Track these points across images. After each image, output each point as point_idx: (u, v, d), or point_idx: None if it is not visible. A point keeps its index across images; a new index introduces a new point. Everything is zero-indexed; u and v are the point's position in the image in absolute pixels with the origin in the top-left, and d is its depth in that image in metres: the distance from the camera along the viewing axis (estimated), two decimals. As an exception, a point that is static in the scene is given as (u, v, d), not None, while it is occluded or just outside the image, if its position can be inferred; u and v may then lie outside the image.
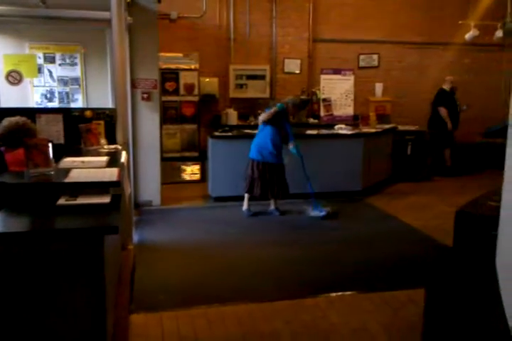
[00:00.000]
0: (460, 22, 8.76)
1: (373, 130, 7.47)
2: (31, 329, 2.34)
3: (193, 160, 7.81)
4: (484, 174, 8.41)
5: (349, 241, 5.04)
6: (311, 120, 8.43)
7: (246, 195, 5.94)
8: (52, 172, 3.02)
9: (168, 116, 7.60)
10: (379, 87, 9.04)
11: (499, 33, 8.66)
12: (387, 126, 8.00)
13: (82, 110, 4.81)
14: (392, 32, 8.92)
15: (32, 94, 5.94)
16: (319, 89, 8.45)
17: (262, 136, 5.77)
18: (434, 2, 9.00)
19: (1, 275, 2.27)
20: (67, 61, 5.94)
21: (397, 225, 5.69)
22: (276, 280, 4.03)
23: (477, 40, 8.73)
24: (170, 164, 7.59)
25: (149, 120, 6.17)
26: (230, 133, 6.71)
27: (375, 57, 9.06)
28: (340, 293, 3.78)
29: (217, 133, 6.71)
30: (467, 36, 8.62)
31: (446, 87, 8.41)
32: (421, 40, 9.06)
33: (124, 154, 4.14)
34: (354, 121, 8.24)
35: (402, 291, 3.79)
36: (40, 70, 5.83)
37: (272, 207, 6.04)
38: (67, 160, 3.53)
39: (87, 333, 2.40)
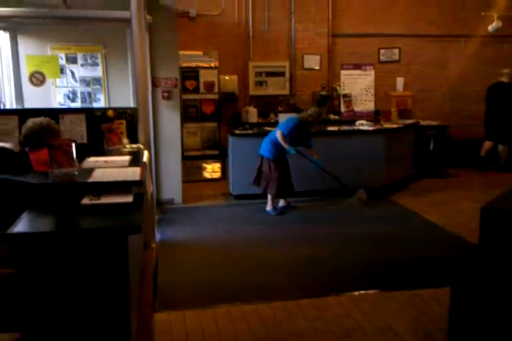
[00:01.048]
0: (483, 13, 8.58)
1: (395, 126, 7.36)
2: (56, 328, 2.37)
3: (213, 158, 7.83)
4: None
5: (372, 239, 4.99)
6: (332, 116, 8.36)
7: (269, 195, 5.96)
8: (75, 172, 3.05)
9: (189, 114, 7.62)
10: (400, 82, 8.92)
11: (523, 25, 8.48)
12: (408, 122, 7.88)
13: (104, 110, 4.85)
14: (413, 25, 8.78)
15: (55, 95, 6.02)
16: (339, 85, 8.37)
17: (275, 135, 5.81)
18: (456, -6, 8.85)
19: (26, 274, 2.31)
20: (89, 61, 6.01)
21: (421, 222, 5.62)
22: (299, 279, 4.02)
23: (500, 31, 8.54)
24: (191, 162, 7.62)
25: (170, 119, 6.21)
26: (250, 131, 6.70)
27: (396, 51, 8.94)
28: (363, 292, 3.75)
29: (237, 131, 6.71)
30: (490, 28, 8.44)
31: (505, 79, 8.20)
32: (442, 32, 8.89)
33: (146, 153, 4.16)
34: (375, 116, 8.15)
35: (427, 290, 3.75)
36: (62, 71, 5.91)
37: (283, 203, 6.08)
38: (90, 160, 3.57)
39: (112, 331, 2.43)
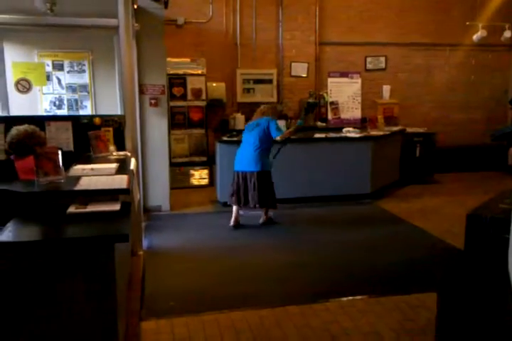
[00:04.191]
0: (468, 23, 8.71)
1: (381, 133, 7.43)
2: (42, 338, 2.35)
3: (201, 165, 7.83)
4: (490, 175, 8.37)
5: (359, 245, 5.01)
6: (319, 123, 8.41)
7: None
8: (62, 181, 3.04)
9: (176, 121, 7.63)
10: (386, 90, 9.01)
11: (507, 34, 8.62)
12: (395, 129, 7.96)
13: (91, 117, 4.83)
14: (399, 34, 8.89)
15: (41, 102, 5.98)
16: (326, 93, 8.43)
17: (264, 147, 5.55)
18: (441, 3, 8.97)
19: (13, 284, 2.29)
20: (76, 68, 5.98)
21: (407, 228, 5.66)
22: (287, 286, 4.02)
23: (485, 40, 8.68)
24: (178, 169, 7.62)
25: (157, 125, 6.21)
26: (237, 138, 6.71)
27: (382, 59, 9.03)
28: (350, 298, 3.76)
29: (225, 138, 6.72)
30: (475, 37, 8.57)
31: None
32: (428, 41, 9.01)
33: (133, 161, 4.15)
34: (362, 123, 8.22)
35: (413, 295, 3.77)
36: (48, 78, 5.87)
37: (263, 220, 5.82)
38: (77, 168, 3.55)
39: (99, 340, 2.41)
